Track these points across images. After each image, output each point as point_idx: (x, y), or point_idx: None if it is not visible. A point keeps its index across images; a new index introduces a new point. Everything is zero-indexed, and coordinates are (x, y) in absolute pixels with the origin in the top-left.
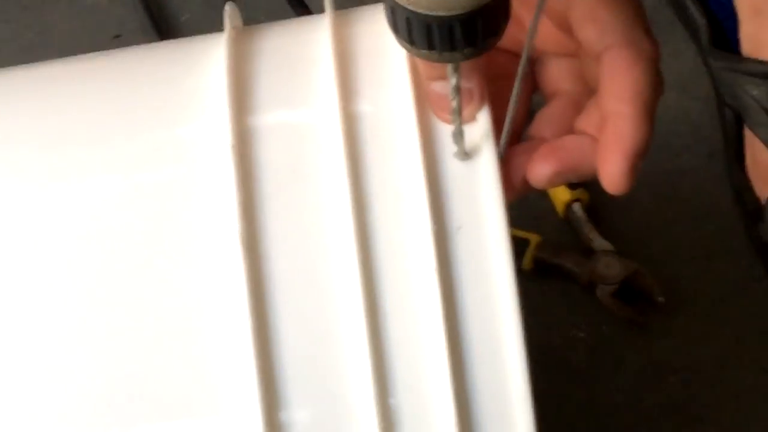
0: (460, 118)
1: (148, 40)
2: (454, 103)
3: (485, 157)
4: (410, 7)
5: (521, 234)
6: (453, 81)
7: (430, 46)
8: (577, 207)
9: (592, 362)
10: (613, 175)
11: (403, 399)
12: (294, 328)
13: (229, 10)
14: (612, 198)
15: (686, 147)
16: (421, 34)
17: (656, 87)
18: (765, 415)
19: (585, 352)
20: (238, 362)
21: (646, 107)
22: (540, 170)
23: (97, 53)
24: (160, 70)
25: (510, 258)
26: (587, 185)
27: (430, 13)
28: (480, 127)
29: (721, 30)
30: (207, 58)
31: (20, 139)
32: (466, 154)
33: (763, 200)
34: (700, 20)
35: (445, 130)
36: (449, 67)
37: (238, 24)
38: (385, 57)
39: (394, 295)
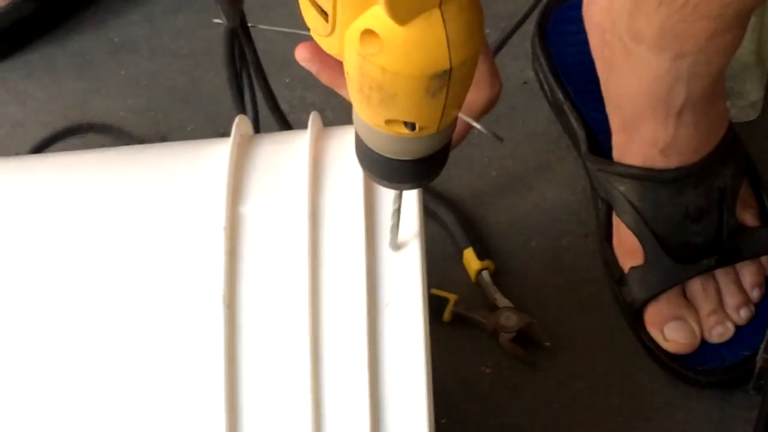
0: (398, 225)
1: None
2: (394, 219)
3: (412, 251)
4: (382, 153)
5: (442, 294)
6: (396, 205)
7: (390, 180)
8: (485, 273)
9: (493, 391)
10: None
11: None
12: (258, 364)
13: (238, 120)
14: (512, 267)
15: (568, 230)
16: (385, 171)
17: None
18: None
19: (489, 383)
20: (208, 380)
21: None
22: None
23: (127, 146)
24: (175, 164)
25: (424, 330)
26: (493, 257)
27: (396, 158)
28: (411, 228)
29: (596, 140)
30: (213, 155)
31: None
32: (397, 246)
33: (625, 270)
34: (580, 132)
35: (383, 226)
36: (395, 194)
37: (246, 131)
38: (346, 165)
39: (334, 342)
